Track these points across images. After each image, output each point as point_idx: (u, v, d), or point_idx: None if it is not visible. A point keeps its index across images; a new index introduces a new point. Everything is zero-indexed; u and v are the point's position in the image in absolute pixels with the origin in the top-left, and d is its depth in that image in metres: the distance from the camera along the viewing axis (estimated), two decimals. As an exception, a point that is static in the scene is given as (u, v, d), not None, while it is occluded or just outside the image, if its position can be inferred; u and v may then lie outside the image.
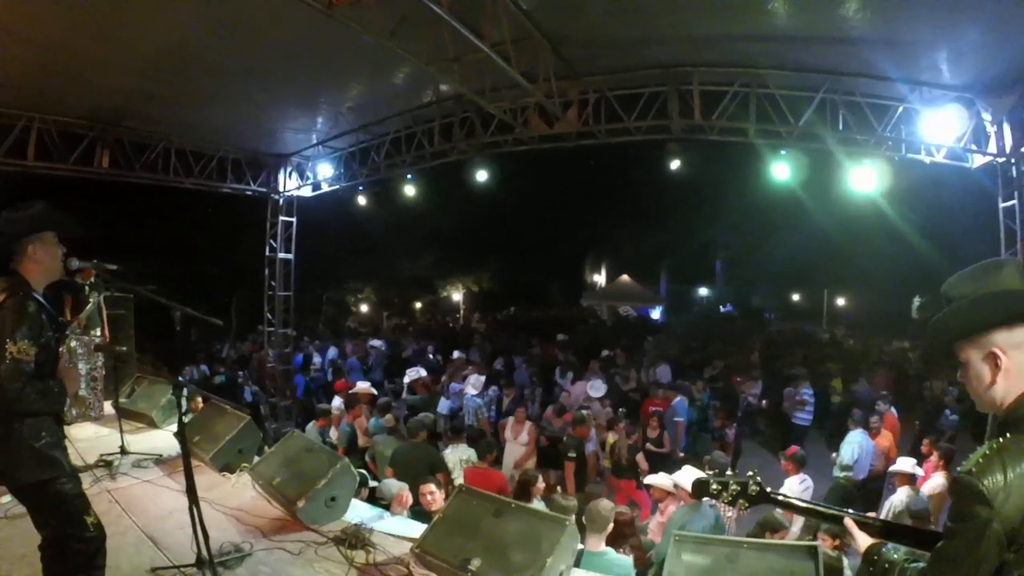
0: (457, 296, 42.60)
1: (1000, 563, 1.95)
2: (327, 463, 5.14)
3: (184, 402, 4.06)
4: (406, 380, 13.24)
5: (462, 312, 40.86)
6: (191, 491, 3.75)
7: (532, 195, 34.16)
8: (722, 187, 31.25)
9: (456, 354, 16.05)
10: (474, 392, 12.71)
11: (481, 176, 13.04)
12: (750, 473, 2.76)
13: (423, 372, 13.50)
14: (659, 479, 7.22)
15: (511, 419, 9.81)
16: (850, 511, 2.63)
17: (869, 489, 9.52)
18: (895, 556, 2.33)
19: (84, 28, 7.78)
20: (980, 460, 1.96)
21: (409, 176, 13.63)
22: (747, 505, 2.73)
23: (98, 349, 7.70)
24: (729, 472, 2.86)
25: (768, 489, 2.73)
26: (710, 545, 3.92)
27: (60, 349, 3.53)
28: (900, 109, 8.61)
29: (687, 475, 6.78)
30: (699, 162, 12.53)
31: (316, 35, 7.92)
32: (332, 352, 18.40)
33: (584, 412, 10.34)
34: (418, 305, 41.67)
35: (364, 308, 38.87)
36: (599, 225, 42.33)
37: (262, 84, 9.80)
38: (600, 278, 48.08)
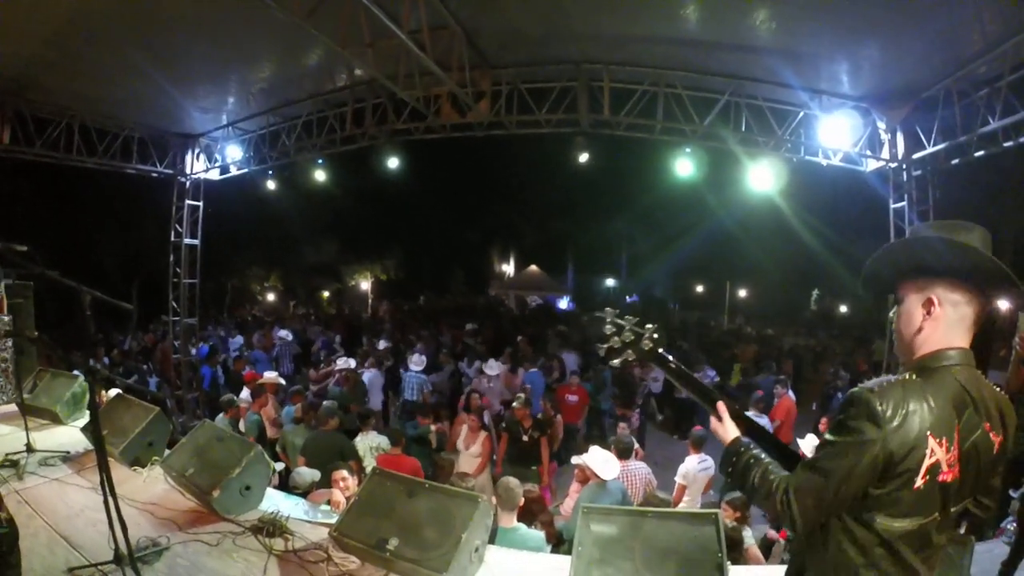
0: (365, 285, 42.21)
1: (863, 493, 1.97)
2: (239, 452, 5.09)
3: (92, 391, 3.94)
4: (337, 367, 13.17)
5: (370, 301, 40.54)
6: (108, 485, 3.64)
7: (440, 184, 34.29)
8: (629, 181, 32.18)
9: (383, 345, 16.15)
10: (417, 369, 13.38)
11: (390, 163, 13.01)
12: (650, 326, 2.67)
13: (352, 362, 13.37)
14: (577, 459, 7.44)
15: (464, 428, 9.74)
16: (724, 397, 2.57)
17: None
18: (763, 456, 2.28)
19: None
20: (884, 384, 1.99)
21: (320, 161, 13.43)
22: (633, 357, 2.64)
23: (7, 335, 7.37)
24: (629, 318, 2.72)
25: (661, 350, 2.64)
26: (615, 515, 4.06)
27: None
28: (800, 114, 9.17)
29: (594, 456, 7.03)
30: (607, 157, 12.84)
31: (225, 11, 7.81)
32: (237, 342, 18.05)
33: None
34: (325, 294, 41.14)
35: (270, 296, 38.14)
36: (507, 215, 42.74)
37: (167, 59, 9.47)
38: (508, 268, 48.46)
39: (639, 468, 7.93)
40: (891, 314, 2.29)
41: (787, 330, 28.33)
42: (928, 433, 1.92)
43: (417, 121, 10.58)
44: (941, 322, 2.11)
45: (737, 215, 26.03)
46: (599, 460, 7.01)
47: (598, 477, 6.92)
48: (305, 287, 40.09)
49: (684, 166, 10.96)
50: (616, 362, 2.70)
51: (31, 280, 8.26)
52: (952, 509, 2.04)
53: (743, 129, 9.28)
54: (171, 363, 14.66)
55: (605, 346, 2.68)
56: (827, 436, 2.04)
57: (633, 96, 9.50)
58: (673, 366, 2.63)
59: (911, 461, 1.92)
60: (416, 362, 13.50)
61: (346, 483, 6.27)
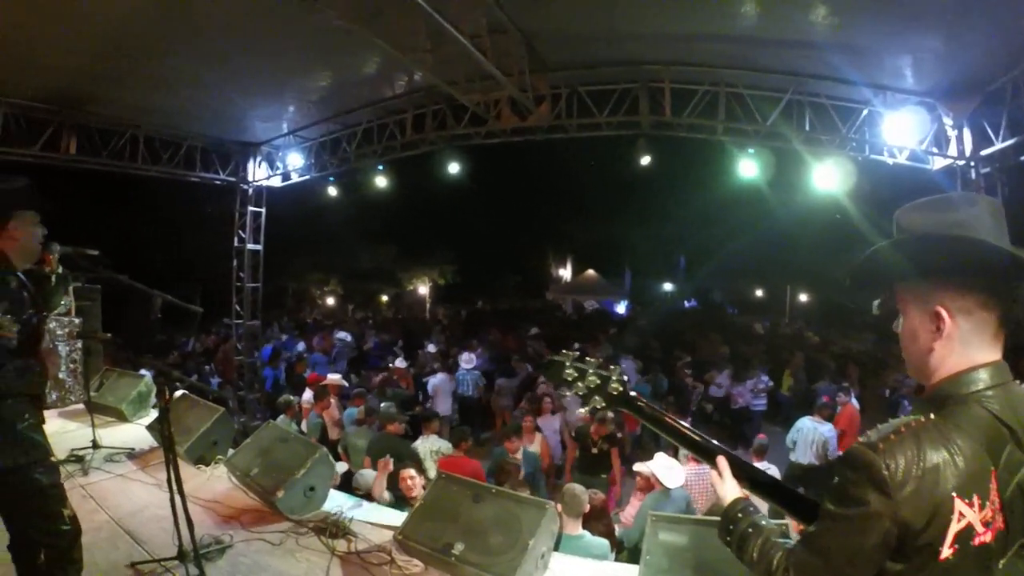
0: (423, 289, 42.48)
1: (877, 572, 1.57)
2: (305, 453, 5.13)
3: (159, 393, 4.00)
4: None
5: (427, 305, 40.78)
6: (177, 483, 3.70)
7: (496, 188, 34.23)
8: (686, 183, 31.69)
9: (431, 348, 16.23)
10: (468, 366, 14.04)
11: (447, 168, 13.02)
12: (614, 367, 2.32)
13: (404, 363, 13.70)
14: (640, 467, 7.32)
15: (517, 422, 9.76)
16: (726, 450, 2.16)
17: (825, 474, 9.88)
18: (763, 522, 1.92)
19: (39, 4, 7.56)
20: (891, 436, 1.56)
21: (380, 167, 13.51)
22: (603, 404, 2.28)
23: (79, 336, 7.56)
24: (591, 360, 2.39)
25: (633, 393, 2.28)
26: (684, 524, 3.99)
27: (42, 329, 3.42)
28: (864, 112, 8.85)
29: (659, 463, 6.93)
30: (664, 159, 12.61)
31: (283, 20, 7.85)
32: (299, 347, 18.34)
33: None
34: (384, 298, 41.49)
35: (329, 301, 38.60)
36: (563, 219, 42.48)
37: (226, 70, 9.63)
38: (565, 272, 48.35)
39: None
40: (893, 326, 1.87)
41: (848, 335, 27.53)
42: (953, 494, 1.50)
43: (477, 126, 10.52)
44: (955, 339, 1.68)
45: (797, 217, 25.37)
46: (664, 467, 6.88)
47: (662, 485, 6.80)
48: (363, 291, 40.46)
49: (748, 167, 10.62)
50: (583, 410, 2.35)
51: (99, 284, 8.47)
52: (1001, 563, 1.59)
53: (806, 128, 9.04)
54: (233, 364, 14.94)
55: (569, 393, 2.45)
56: (826, 504, 1.64)
57: (694, 97, 9.29)
58: (647, 411, 2.26)
59: (933, 531, 1.51)
60: (466, 360, 14.05)
61: (413, 482, 6.27)
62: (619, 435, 9.57)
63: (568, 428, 10.88)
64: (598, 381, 2.28)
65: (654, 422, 2.25)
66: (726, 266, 39.27)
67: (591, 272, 41.49)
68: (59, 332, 7.43)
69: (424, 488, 5.95)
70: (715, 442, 2.18)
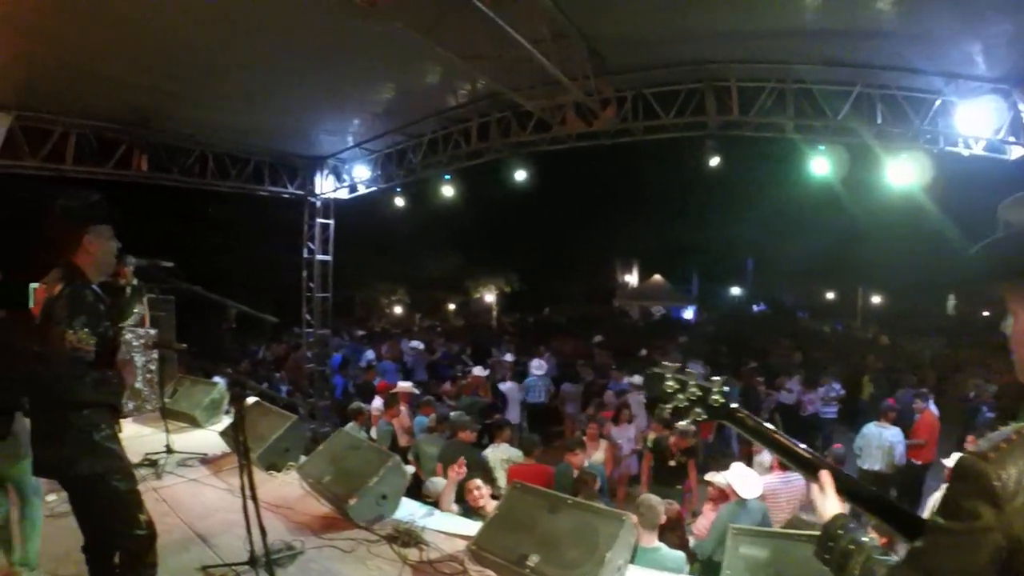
0: (489, 297, 42.55)
1: None
2: (377, 461, 5.15)
3: (234, 400, 4.05)
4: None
5: (494, 313, 40.82)
6: (251, 490, 3.74)
7: (561, 195, 34.11)
8: (754, 184, 30.97)
9: (508, 356, 16.28)
10: (540, 373, 14.19)
11: (512, 176, 12.97)
12: (716, 379, 2.23)
13: (484, 371, 13.81)
14: (714, 477, 7.14)
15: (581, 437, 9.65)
16: (829, 464, 2.07)
17: (895, 482, 9.78)
18: (865, 539, 1.81)
19: (106, 26, 7.73)
20: (1001, 445, 1.45)
21: (447, 176, 13.55)
22: (704, 417, 2.21)
23: (155, 347, 7.74)
24: (691, 371, 2.25)
25: (734, 405, 2.20)
26: (765, 538, 3.88)
27: (119, 340, 3.47)
28: (937, 102, 8.39)
29: (736, 473, 6.75)
30: (731, 159, 12.34)
31: (345, 35, 7.90)
32: (368, 354, 18.55)
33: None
34: (451, 307, 41.68)
35: (397, 309, 38.96)
36: (630, 224, 42.07)
37: (292, 86, 9.78)
38: (632, 278, 47.93)
39: (799, 481, 7.54)
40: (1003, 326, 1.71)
41: (922, 338, 26.53)
42: None
43: (542, 132, 10.40)
44: None
45: (869, 216, 24.56)
46: (740, 477, 6.67)
47: (737, 495, 6.59)
48: (430, 300, 40.74)
49: (820, 165, 10.27)
50: (684, 423, 2.36)
51: (173, 295, 8.67)
52: None
53: (878, 121, 8.63)
54: (303, 372, 15.19)
55: (669, 406, 2.35)
56: (935, 518, 1.52)
57: (761, 94, 8.97)
58: (750, 423, 2.18)
59: None
60: (536, 367, 14.14)
61: (480, 492, 6.22)
62: (697, 450, 9.38)
63: (640, 435, 10.73)
64: (699, 393, 2.20)
65: (757, 435, 2.18)
66: (796, 268, 38.45)
67: (657, 277, 41.05)
68: (135, 343, 7.61)
69: (493, 498, 5.92)
70: (819, 456, 2.11)
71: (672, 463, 8.99)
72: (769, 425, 2.21)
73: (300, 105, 10.84)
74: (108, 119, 11.01)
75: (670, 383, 2.21)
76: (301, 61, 8.82)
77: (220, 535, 4.85)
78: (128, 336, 7.44)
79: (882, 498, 2.02)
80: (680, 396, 2.21)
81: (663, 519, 5.53)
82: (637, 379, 12.94)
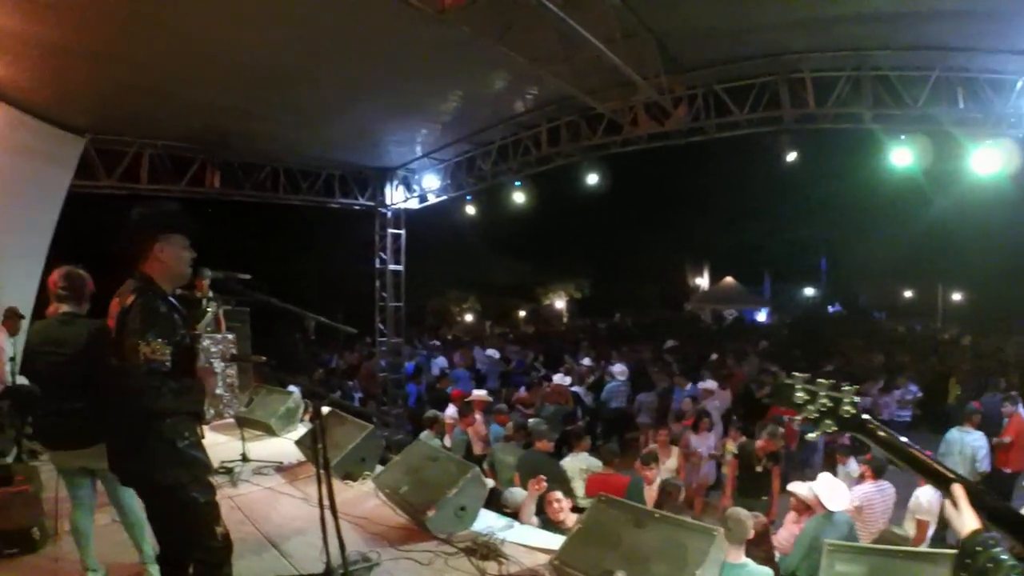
0: (559, 303, 42.37)
1: None
2: (456, 472, 5.06)
3: (314, 412, 4.03)
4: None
5: (564, 320, 40.61)
6: (331, 502, 3.68)
7: (630, 198, 33.63)
8: (827, 179, 29.86)
9: (586, 361, 16.15)
10: (622, 378, 13.87)
11: (581, 180, 12.80)
12: (847, 388, 2.18)
13: (567, 379, 13.61)
14: (799, 487, 6.84)
15: (652, 447, 9.42)
16: (963, 478, 2.01)
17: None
18: (1004, 556, 1.74)
19: (175, 49, 7.99)
20: None
21: (517, 183, 13.50)
22: (834, 428, 2.15)
23: (233, 359, 7.83)
24: (822, 381, 2.16)
25: (865, 417, 2.13)
26: (862, 554, 3.68)
27: (197, 348, 3.44)
28: (1020, 83, 7.88)
29: (823, 484, 6.45)
30: (803, 154, 11.88)
31: (411, 46, 7.93)
32: (440, 361, 18.64)
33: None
34: (521, 314, 41.62)
35: (468, 317, 39.08)
36: (700, 226, 41.23)
37: (360, 99, 9.93)
38: (702, 281, 47.14)
39: (891, 490, 7.25)
40: None
41: (1010, 338, 25.16)
42: None
43: (613, 134, 10.26)
44: None
45: (949, 209, 23.47)
46: (828, 489, 6.36)
47: (824, 508, 6.29)
48: (500, 307, 40.75)
49: (901, 156, 9.60)
50: (814, 435, 2.26)
51: (248, 306, 8.78)
52: None
53: (959, 106, 8.13)
54: (376, 381, 15.36)
55: (799, 417, 2.25)
56: None
57: (837, 84, 8.57)
58: (883, 435, 2.13)
59: None
60: (619, 372, 13.90)
61: (560, 505, 6.08)
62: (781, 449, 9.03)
63: (720, 443, 10.47)
64: (830, 404, 2.14)
65: (889, 447, 2.13)
66: (872, 266, 37.12)
67: (729, 279, 40.29)
68: (213, 350, 7.69)
69: (573, 511, 5.80)
70: (953, 471, 2.03)
71: (759, 469, 8.68)
72: (902, 438, 2.12)
73: (368, 117, 10.97)
74: (180, 138, 11.43)
75: (800, 394, 2.16)
76: (368, 74, 8.91)
77: (295, 545, 4.85)
78: (207, 343, 7.52)
79: (1014, 512, 1.96)
80: (810, 407, 2.16)
81: (751, 534, 5.31)
82: (711, 384, 12.67)
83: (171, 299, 3.26)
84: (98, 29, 7.38)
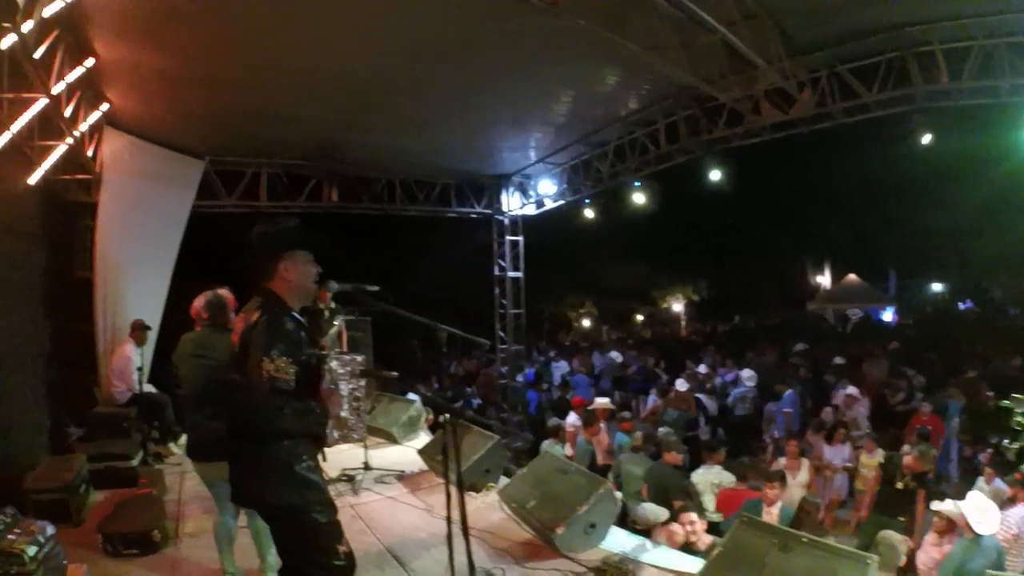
0: (677, 307, 41.54)
1: None
2: (587, 487, 4.86)
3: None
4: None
5: (683, 323, 39.76)
6: (463, 520, 3.51)
7: (746, 195, 32.06)
8: (954, 164, 27.71)
9: (702, 368, 15.58)
10: (751, 384, 13.30)
11: (694, 179, 12.33)
12: None
13: (686, 384, 13.14)
14: (945, 506, 6.23)
15: (782, 460, 8.91)
16: None
17: None
18: None
19: (286, 71, 8.22)
20: None
21: (637, 183, 13.10)
22: None
23: (364, 375, 7.81)
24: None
25: None
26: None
27: (322, 369, 3.34)
28: None
29: (972, 505, 5.81)
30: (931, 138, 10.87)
31: (519, 49, 7.84)
32: (561, 367, 18.50)
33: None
34: (639, 318, 41.05)
35: (585, 322, 38.83)
36: (819, 221, 39.13)
37: (472, 108, 9.92)
38: (824, 279, 45.07)
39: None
40: None
41: None
42: None
43: (734, 126, 9.80)
44: None
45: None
46: (978, 510, 5.73)
47: (972, 531, 5.69)
48: (617, 311, 40.32)
49: None
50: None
51: (370, 316, 8.80)
52: None
53: None
54: (495, 387, 15.33)
55: (1016, 446, 1.87)
56: None
57: (969, 55, 7.78)
58: None
59: None
60: (748, 377, 13.36)
61: (694, 527, 5.74)
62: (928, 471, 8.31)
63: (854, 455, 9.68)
64: None
65: None
66: (1007, 258, 34.45)
67: (852, 277, 38.28)
68: (340, 371, 7.64)
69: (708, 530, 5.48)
70: None
71: (900, 485, 8.01)
72: None
73: (479, 124, 10.98)
74: (295, 156, 11.91)
75: (1019, 419, 1.76)
76: (479, 80, 8.88)
77: (417, 557, 4.81)
78: (334, 364, 7.51)
79: None
80: None
81: (903, 561, 4.83)
82: (852, 390, 11.88)
83: (297, 316, 3.19)
84: (208, 57, 7.68)
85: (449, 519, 3.57)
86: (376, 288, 3.98)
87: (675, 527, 5.86)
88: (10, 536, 3.77)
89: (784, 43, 7.87)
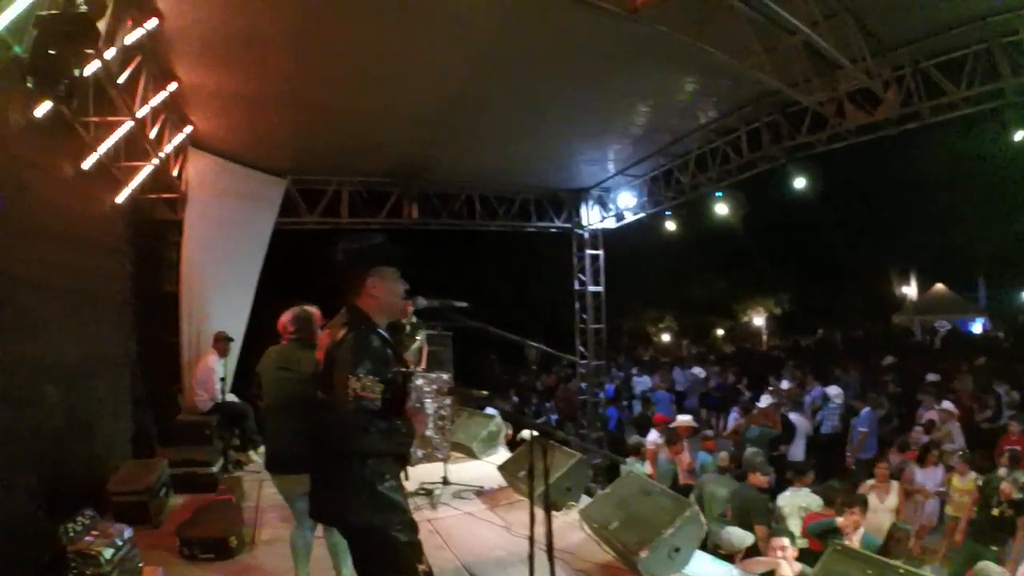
0: (758, 320, 40.58)
1: None
2: (673, 510, 4.72)
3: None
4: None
5: (764, 337, 38.83)
6: (547, 542, 3.49)
7: (827, 202, 30.92)
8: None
9: (784, 384, 15.07)
10: (839, 401, 12.87)
11: (775, 188, 12.03)
12: None
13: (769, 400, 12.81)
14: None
15: (868, 483, 8.43)
16: None
17: None
18: None
19: (369, 91, 8.39)
20: None
21: (718, 194, 12.87)
22: None
23: (451, 393, 7.76)
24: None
25: None
26: None
27: (408, 387, 3.27)
28: None
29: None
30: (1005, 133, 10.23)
31: (596, 61, 7.80)
32: (642, 383, 18.28)
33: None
34: (719, 332, 40.29)
35: (664, 337, 38.34)
36: (903, 227, 37.43)
37: (549, 118, 9.85)
38: (909, 289, 43.37)
39: None
40: None
41: None
42: None
43: (817, 131, 9.43)
44: None
45: None
46: None
47: None
48: (696, 326, 39.68)
49: None
50: None
51: (450, 331, 8.79)
52: None
53: None
54: (574, 403, 15.16)
55: None
56: None
57: None
58: None
59: None
60: (835, 394, 12.92)
61: (785, 553, 5.49)
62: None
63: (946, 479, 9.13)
64: None
65: None
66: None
67: (939, 286, 36.67)
68: (426, 389, 7.55)
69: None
70: None
71: (995, 512, 7.56)
72: None
73: (560, 138, 10.97)
74: (375, 174, 12.21)
75: None
76: (558, 93, 8.86)
77: (494, 575, 4.76)
78: (419, 381, 7.45)
79: None
80: None
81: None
82: (948, 404, 11.31)
83: (384, 334, 3.13)
84: (287, 78, 7.86)
85: (532, 538, 3.51)
86: (464, 304, 3.91)
87: (762, 560, 5.64)
88: (87, 538, 3.90)
89: (866, 41, 7.55)
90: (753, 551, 6.20)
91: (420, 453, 7.38)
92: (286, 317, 4.65)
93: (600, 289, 15.02)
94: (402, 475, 3.16)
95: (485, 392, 4.52)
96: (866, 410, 11.62)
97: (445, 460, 7.28)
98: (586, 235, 14.82)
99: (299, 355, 4.31)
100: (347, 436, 2.87)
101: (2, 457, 4.67)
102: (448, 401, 7.82)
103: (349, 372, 2.84)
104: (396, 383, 3.05)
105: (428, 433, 7.40)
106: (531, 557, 3.52)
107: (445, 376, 7.83)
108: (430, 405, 7.45)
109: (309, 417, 3.31)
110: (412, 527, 3.07)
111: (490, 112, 9.40)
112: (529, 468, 3.64)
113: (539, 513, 5.61)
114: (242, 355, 9.94)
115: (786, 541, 5.55)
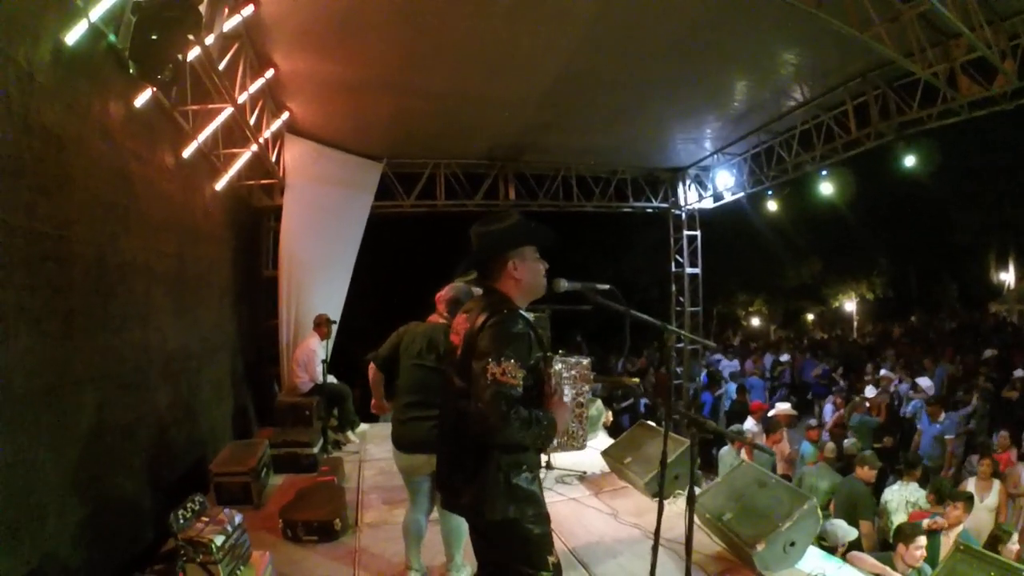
0: (849, 306, 39.25)
1: None
2: (789, 503, 4.60)
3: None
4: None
5: (855, 324, 37.56)
6: (686, 545, 3.48)
7: (925, 181, 29.41)
8: None
9: (883, 372, 14.51)
10: (931, 393, 12.19)
11: (876, 166, 11.46)
12: None
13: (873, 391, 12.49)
14: None
15: (971, 480, 8.05)
16: None
17: None
18: None
19: (476, 72, 8.39)
20: None
21: (823, 172, 12.32)
22: None
23: (600, 380, 7.61)
24: None
25: None
26: None
27: (548, 372, 3.12)
28: None
29: None
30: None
31: (698, 37, 7.62)
32: (730, 366, 17.91)
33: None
34: (810, 317, 39.26)
35: (754, 322, 37.62)
36: (1005, 209, 35.21)
37: (648, 97, 9.71)
38: (1008, 276, 41.02)
39: None
40: None
41: None
42: None
43: (928, 107, 8.91)
44: None
45: None
46: None
47: None
48: (787, 310, 38.78)
49: None
50: None
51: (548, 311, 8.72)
52: None
53: None
54: (665, 388, 14.94)
55: None
56: None
57: None
58: None
59: None
60: (927, 387, 12.38)
61: (921, 552, 5.30)
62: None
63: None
64: None
65: None
66: None
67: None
68: (565, 375, 7.45)
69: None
70: None
71: None
72: None
73: (657, 117, 10.83)
74: (471, 155, 12.38)
75: None
76: (658, 72, 8.71)
77: (602, 562, 4.75)
78: (559, 367, 7.30)
79: None
80: None
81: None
82: None
83: (526, 316, 3.00)
84: (384, 63, 7.95)
85: (658, 533, 3.45)
86: (607, 287, 3.84)
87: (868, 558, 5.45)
88: (198, 524, 3.94)
89: (983, 8, 7.11)
90: (855, 545, 6.07)
91: (556, 442, 7.23)
92: (447, 294, 4.54)
93: (697, 271, 14.87)
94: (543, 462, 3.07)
95: (636, 380, 4.42)
96: (949, 415, 10.82)
97: (581, 449, 7.17)
98: (683, 215, 14.65)
99: (440, 336, 4.25)
100: (486, 426, 2.74)
101: (114, 440, 4.83)
102: (586, 387, 7.66)
103: (491, 358, 2.73)
104: (538, 369, 2.93)
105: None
106: (655, 548, 3.49)
107: (584, 361, 7.71)
108: (568, 391, 7.33)
109: (444, 403, 3.21)
110: (546, 519, 3.00)
111: (591, 93, 9.30)
112: (662, 459, 3.54)
113: (646, 500, 5.58)
114: (338, 337, 10.11)
115: (922, 540, 5.44)
